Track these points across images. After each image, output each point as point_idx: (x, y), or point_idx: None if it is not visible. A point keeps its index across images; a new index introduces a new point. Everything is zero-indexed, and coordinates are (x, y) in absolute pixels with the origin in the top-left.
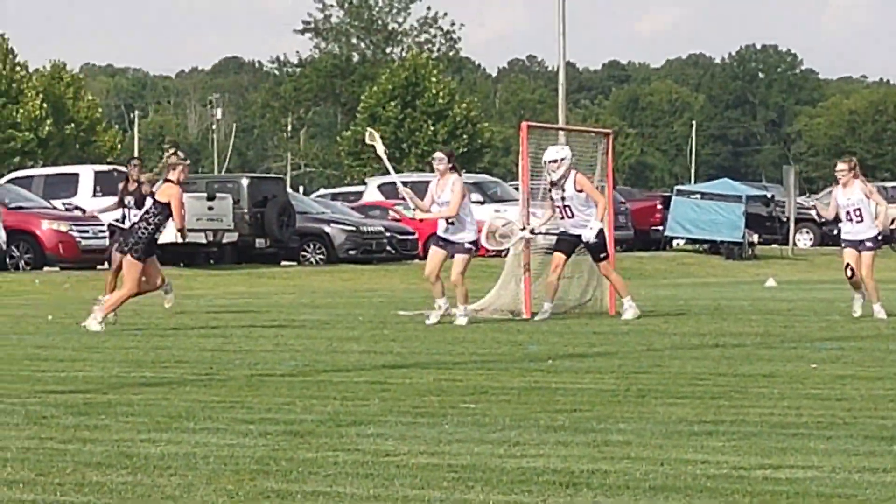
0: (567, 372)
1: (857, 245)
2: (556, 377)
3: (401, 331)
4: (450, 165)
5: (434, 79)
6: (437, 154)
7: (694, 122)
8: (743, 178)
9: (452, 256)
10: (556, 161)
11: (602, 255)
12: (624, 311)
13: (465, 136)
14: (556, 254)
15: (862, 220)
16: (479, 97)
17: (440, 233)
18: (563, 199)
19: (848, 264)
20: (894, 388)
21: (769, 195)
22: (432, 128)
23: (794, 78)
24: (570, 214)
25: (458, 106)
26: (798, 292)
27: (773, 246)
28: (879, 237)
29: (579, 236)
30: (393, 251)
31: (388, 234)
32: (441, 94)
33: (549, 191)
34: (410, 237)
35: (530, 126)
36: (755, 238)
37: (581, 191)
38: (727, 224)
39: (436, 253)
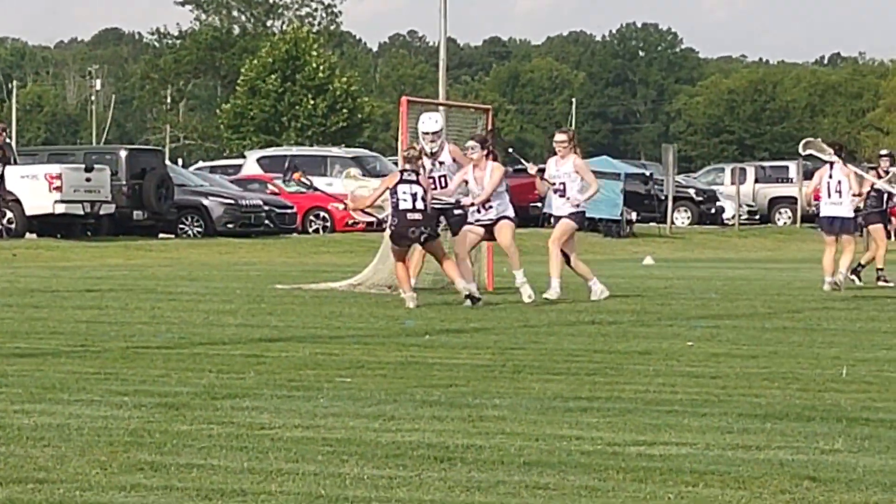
0: (443, 347)
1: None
2: (433, 352)
3: (278, 304)
4: (484, 152)
5: (314, 53)
6: (470, 143)
7: (574, 100)
8: (622, 156)
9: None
10: (437, 133)
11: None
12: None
13: (344, 111)
14: None
15: (564, 195)
16: (360, 72)
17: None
18: (439, 169)
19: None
20: (768, 367)
21: (648, 173)
22: (312, 101)
23: (674, 57)
24: (444, 185)
25: (339, 80)
26: (675, 270)
27: (651, 224)
28: (581, 212)
29: (445, 209)
30: (271, 225)
31: (266, 207)
32: (321, 68)
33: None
34: (289, 211)
35: (410, 101)
36: (633, 216)
37: (455, 160)
38: (605, 202)
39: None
